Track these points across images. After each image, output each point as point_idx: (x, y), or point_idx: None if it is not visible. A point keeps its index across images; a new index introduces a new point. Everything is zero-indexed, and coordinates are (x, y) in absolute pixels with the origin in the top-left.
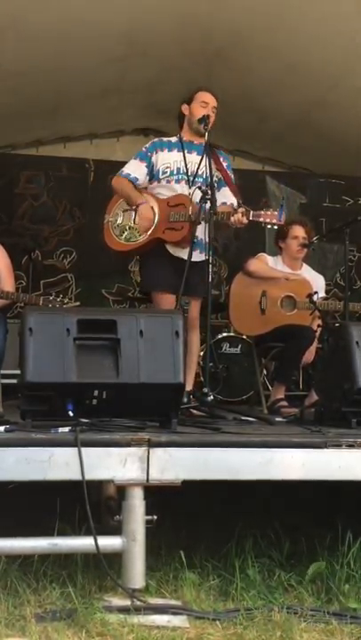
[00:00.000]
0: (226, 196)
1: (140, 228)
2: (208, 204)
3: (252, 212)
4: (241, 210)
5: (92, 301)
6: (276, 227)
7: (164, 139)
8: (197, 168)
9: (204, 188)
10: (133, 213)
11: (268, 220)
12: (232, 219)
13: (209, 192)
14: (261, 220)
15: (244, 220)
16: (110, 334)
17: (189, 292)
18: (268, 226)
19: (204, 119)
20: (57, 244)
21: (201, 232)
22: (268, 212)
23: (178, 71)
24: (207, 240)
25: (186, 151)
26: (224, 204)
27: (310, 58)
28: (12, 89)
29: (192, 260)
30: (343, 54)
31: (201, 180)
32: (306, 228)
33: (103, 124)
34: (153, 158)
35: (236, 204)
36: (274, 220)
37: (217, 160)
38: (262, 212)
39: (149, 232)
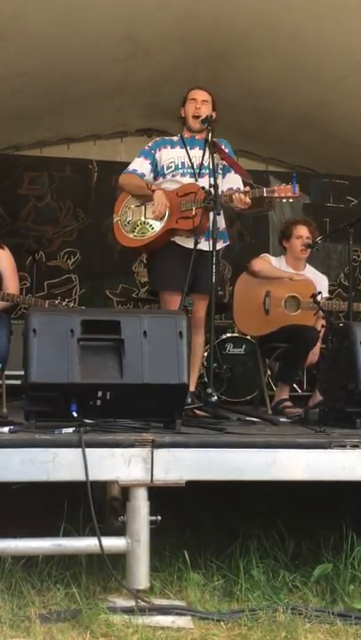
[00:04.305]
0: (233, 182)
1: (158, 214)
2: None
3: (265, 189)
4: (245, 189)
5: (96, 302)
6: (291, 200)
7: (167, 137)
8: (202, 160)
9: (207, 188)
10: (144, 207)
11: (282, 195)
12: (234, 199)
13: (212, 192)
14: (276, 195)
15: (247, 200)
16: (114, 335)
17: (197, 287)
18: (284, 200)
19: (207, 119)
20: (60, 244)
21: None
22: (282, 187)
23: (181, 71)
24: (218, 228)
25: (188, 147)
26: (230, 189)
27: (313, 56)
28: (16, 89)
29: (203, 249)
30: (346, 52)
31: (207, 170)
32: (310, 228)
33: (107, 124)
34: (156, 155)
35: (242, 188)
36: (289, 194)
37: (220, 150)
38: (276, 188)
39: (164, 222)
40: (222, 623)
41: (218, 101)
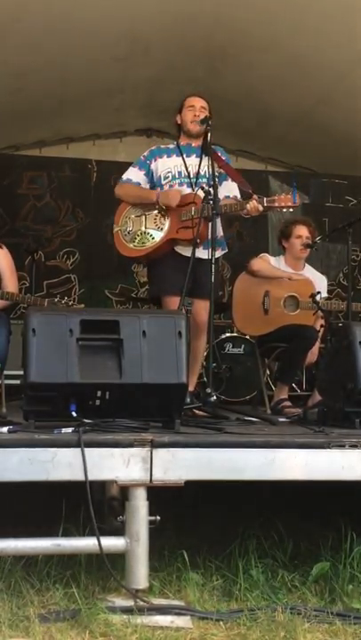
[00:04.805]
0: (229, 190)
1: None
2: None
3: (265, 199)
4: (255, 197)
5: (96, 302)
6: (291, 210)
7: (162, 146)
8: (198, 169)
9: (206, 187)
10: (144, 218)
11: (283, 204)
12: (248, 207)
13: (211, 192)
14: (276, 205)
15: (260, 208)
16: (113, 335)
17: (199, 292)
18: (284, 210)
19: (206, 120)
20: (60, 244)
21: (213, 230)
22: (282, 196)
23: (180, 70)
24: (216, 236)
25: (185, 155)
26: (227, 197)
27: (314, 54)
28: (16, 89)
29: (203, 257)
30: (347, 51)
31: (204, 180)
32: (310, 228)
33: (106, 124)
34: (152, 166)
35: (238, 195)
36: (289, 204)
37: (217, 157)
38: (276, 197)
39: (164, 233)
40: (221, 623)
41: (217, 101)
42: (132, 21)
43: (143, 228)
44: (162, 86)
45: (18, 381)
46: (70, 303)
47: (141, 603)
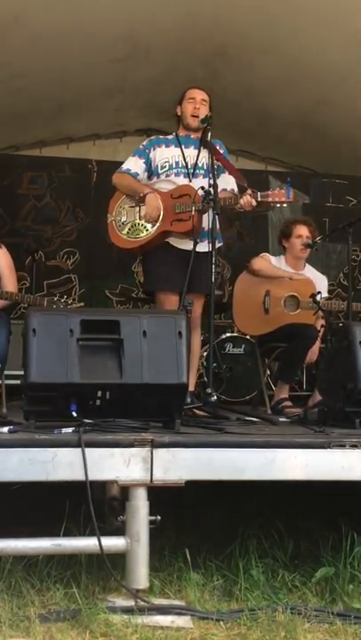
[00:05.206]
0: (226, 183)
1: (149, 218)
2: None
3: (259, 193)
4: (249, 192)
5: (96, 302)
6: (285, 205)
7: (161, 136)
8: (196, 159)
9: (206, 188)
10: (138, 208)
11: (276, 199)
12: (241, 201)
13: (211, 192)
14: (270, 199)
15: (253, 203)
16: (113, 335)
17: (193, 287)
18: (278, 205)
19: (207, 119)
20: (60, 244)
21: (207, 222)
22: (276, 191)
23: (180, 71)
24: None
25: (183, 146)
26: (224, 190)
27: (314, 56)
28: (16, 90)
29: (198, 250)
30: (348, 52)
31: (202, 171)
32: (310, 228)
33: (106, 124)
34: (151, 155)
35: (236, 189)
36: (283, 199)
37: (215, 151)
38: (270, 192)
39: (157, 225)
40: (222, 623)
41: (217, 101)
42: (132, 23)
43: (137, 220)
44: (162, 87)
45: (18, 381)
46: (70, 302)
47: (142, 603)
